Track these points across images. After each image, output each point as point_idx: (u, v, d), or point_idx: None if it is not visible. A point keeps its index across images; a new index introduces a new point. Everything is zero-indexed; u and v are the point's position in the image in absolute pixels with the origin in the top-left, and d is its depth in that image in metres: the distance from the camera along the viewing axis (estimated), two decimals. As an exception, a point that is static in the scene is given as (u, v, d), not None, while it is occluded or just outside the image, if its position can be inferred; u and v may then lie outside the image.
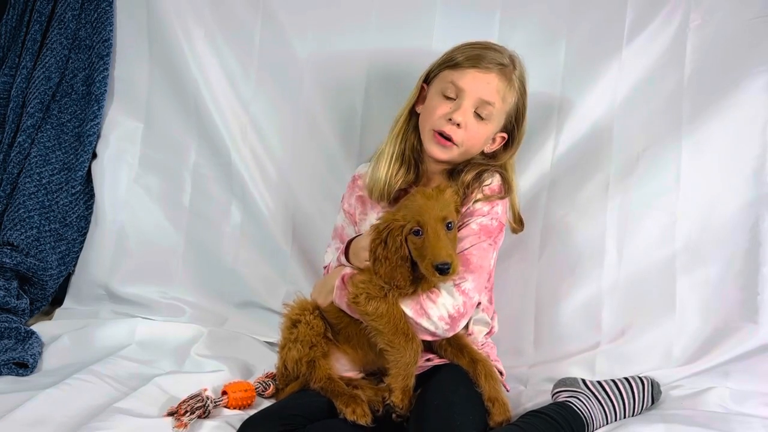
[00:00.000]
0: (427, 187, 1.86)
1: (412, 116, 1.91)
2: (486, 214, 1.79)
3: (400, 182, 1.87)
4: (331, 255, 1.98)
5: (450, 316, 1.69)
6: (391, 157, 1.88)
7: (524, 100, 1.87)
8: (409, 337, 1.67)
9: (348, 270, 1.79)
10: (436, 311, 1.69)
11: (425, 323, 1.69)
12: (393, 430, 1.68)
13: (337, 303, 1.78)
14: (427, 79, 1.88)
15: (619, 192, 2.07)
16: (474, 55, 1.80)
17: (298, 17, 2.32)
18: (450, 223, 1.65)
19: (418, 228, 1.64)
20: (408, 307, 1.70)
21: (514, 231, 1.94)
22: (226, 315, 2.36)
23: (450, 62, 1.83)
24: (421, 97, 1.89)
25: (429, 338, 1.73)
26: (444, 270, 1.59)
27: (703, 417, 1.75)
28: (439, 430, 1.55)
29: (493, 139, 1.88)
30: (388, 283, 1.67)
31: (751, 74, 1.98)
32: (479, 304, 1.86)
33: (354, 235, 1.90)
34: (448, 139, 1.80)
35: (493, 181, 1.83)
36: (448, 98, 1.81)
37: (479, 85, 1.78)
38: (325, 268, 2.00)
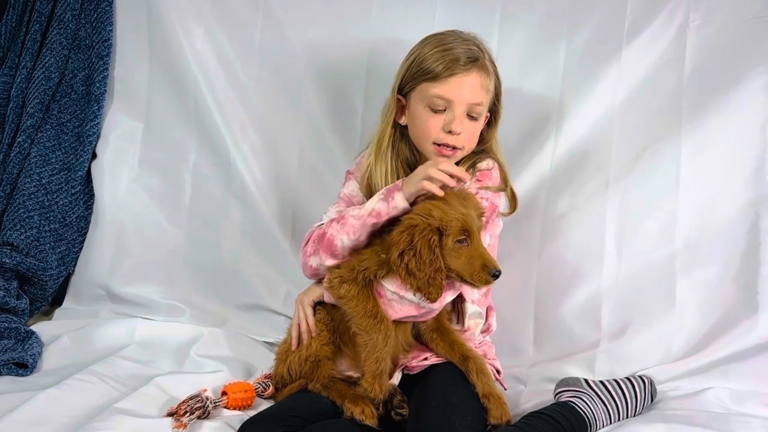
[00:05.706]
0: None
1: (396, 128, 1.87)
2: (475, 193, 1.76)
3: None
4: (332, 214, 1.86)
5: None
6: (385, 174, 1.84)
7: (498, 76, 1.84)
8: (377, 319, 1.68)
9: None
10: None
11: (410, 295, 1.69)
12: (393, 430, 1.68)
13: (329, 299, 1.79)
14: (401, 90, 1.84)
15: (618, 192, 2.07)
16: (449, 60, 1.75)
17: (298, 15, 2.33)
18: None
19: (464, 237, 1.63)
20: (391, 283, 1.70)
21: (509, 212, 1.91)
22: (226, 315, 2.35)
23: (426, 74, 1.77)
24: (399, 107, 1.86)
25: (415, 313, 1.72)
26: (497, 275, 1.61)
27: (703, 417, 1.75)
28: (437, 430, 1.55)
29: None
30: (422, 293, 1.64)
31: (751, 74, 1.97)
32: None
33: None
34: (452, 147, 1.79)
35: (489, 164, 1.83)
36: (437, 111, 1.78)
37: (465, 90, 1.76)
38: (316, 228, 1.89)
